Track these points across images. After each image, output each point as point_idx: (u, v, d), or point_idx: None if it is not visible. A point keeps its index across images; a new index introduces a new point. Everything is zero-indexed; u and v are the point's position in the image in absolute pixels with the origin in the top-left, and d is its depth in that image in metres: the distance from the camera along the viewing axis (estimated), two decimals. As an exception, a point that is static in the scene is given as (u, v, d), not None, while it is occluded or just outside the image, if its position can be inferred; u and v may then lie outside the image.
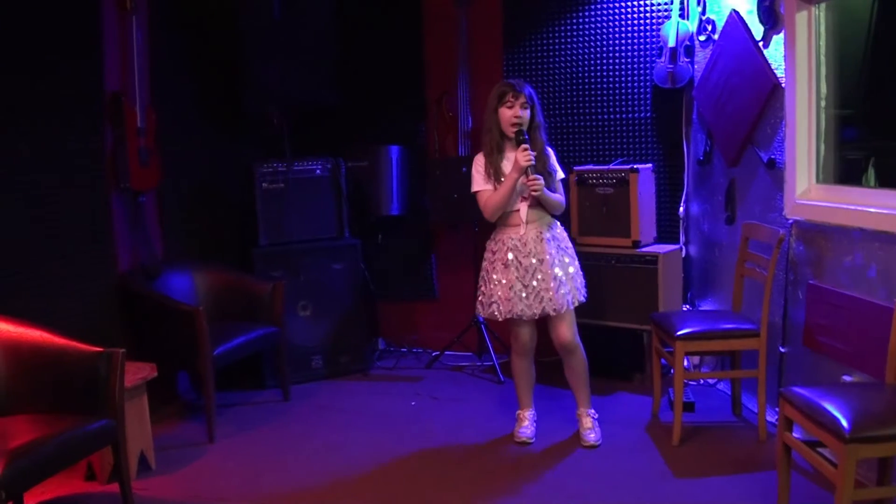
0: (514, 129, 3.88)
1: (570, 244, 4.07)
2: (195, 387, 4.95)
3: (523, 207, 3.93)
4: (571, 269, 3.99)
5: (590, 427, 4.06)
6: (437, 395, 4.93)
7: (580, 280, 4.05)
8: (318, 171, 5.32)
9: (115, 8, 4.46)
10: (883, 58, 3.86)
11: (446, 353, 5.59)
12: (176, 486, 3.75)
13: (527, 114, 3.90)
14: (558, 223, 4.06)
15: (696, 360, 4.96)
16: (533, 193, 3.85)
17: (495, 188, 3.93)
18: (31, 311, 3.61)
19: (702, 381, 4.87)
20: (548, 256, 3.90)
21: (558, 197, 4.00)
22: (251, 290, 4.88)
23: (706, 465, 3.73)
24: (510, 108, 3.89)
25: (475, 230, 5.28)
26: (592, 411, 4.12)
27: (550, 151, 4.04)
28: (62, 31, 4.10)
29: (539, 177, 3.83)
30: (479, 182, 3.99)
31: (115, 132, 4.44)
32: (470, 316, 5.28)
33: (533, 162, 3.80)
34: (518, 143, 3.85)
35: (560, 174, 4.06)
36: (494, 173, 3.94)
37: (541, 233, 3.94)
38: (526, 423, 4.15)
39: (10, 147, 3.81)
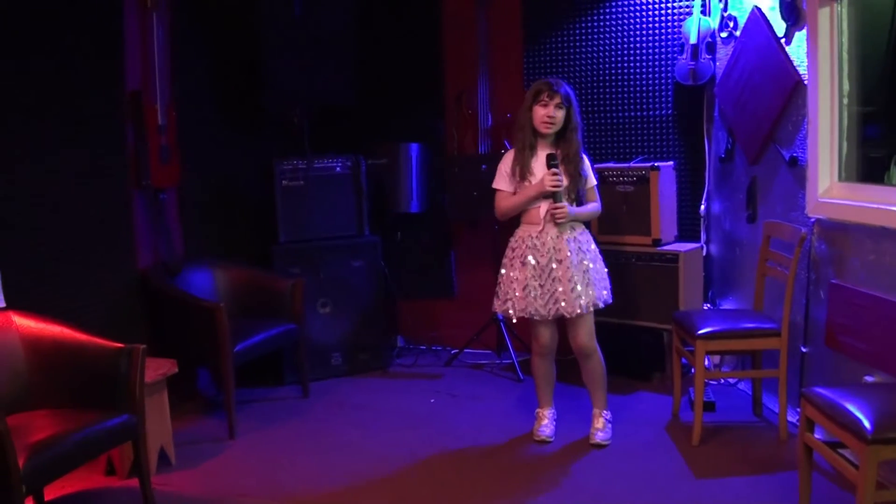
0: (546, 128, 3.87)
1: (593, 246, 4.02)
2: (215, 383, 4.97)
3: (543, 205, 3.91)
4: (592, 274, 3.93)
5: (600, 427, 4.04)
6: (456, 393, 4.93)
7: (605, 283, 4.01)
8: (337, 169, 5.33)
9: (135, 6, 4.49)
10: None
11: (465, 350, 5.59)
12: (195, 481, 3.77)
13: (561, 114, 3.88)
14: (582, 225, 4.04)
15: (716, 359, 4.92)
16: (558, 221, 3.86)
17: (517, 188, 3.93)
18: (53, 307, 3.65)
19: (722, 381, 4.83)
20: (566, 258, 3.88)
21: (591, 208, 4.02)
22: (271, 287, 4.90)
23: (726, 465, 3.71)
24: (544, 106, 3.87)
25: (495, 227, 5.27)
26: (607, 413, 4.10)
27: (584, 157, 4.01)
28: (83, 29, 4.13)
29: (565, 204, 3.85)
30: (501, 181, 3.99)
31: (136, 130, 4.47)
32: (489, 314, 5.27)
33: (560, 187, 3.80)
34: (549, 167, 3.84)
35: (593, 180, 4.04)
36: (521, 171, 3.92)
37: (561, 233, 3.91)
38: (545, 421, 4.14)
39: (32, 144, 3.84)
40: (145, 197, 4.57)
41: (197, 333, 4.29)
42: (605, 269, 4.05)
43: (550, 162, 3.84)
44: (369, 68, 5.57)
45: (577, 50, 5.33)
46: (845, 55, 3.74)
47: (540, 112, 3.88)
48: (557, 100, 3.86)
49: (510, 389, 4.97)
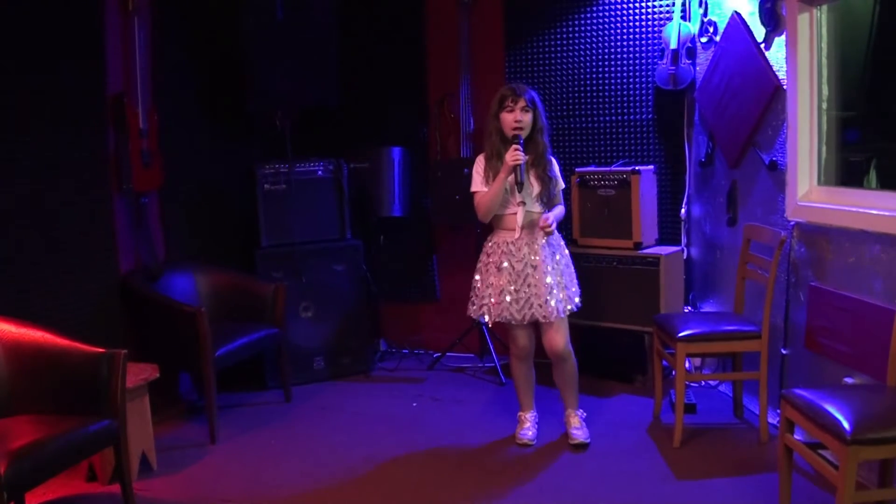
0: (517, 133, 3.87)
1: (566, 251, 4.07)
2: (197, 388, 4.95)
3: (520, 212, 3.93)
4: (565, 277, 3.98)
5: (577, 425, 4.07)
6: (438, 397, 4.93)
7: (575, 288, 4.04)
8: (319, 173, 5.33)
9: (117, 9, 4.47)
10: (884, 59, 3.86)
11: (448, 354, 5.59)
12: (177, 486, 3.75)
13: (528, 117, 3.89)
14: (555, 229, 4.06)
15: (697, 361, 4.96)
16: (547, 234, 3.88)
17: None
18: (34, 312, 3.62)
19: (703, 383, 4.87)
20: (541, 264, 3.90)
21: (561, 212, 4.02)
22: (253, 292, 4.89)
23: (707, 466, 3.73)
24: (510, 112, 3.88)
25: (477, 231, 5.27)
26: (581, 411, 4.14)
27: (553, 160, 4.04)
28: (64, 32, 4.10)
29: (551, 222, 3.86)
30: (478, 183, 4.00)
31: (118, 134, 4.44)
32: (471, 317, 5.28)
33: (520, 161, 3.79)
34: (511, 143, 3.84)
35: (561, 184, 4.06)
36: (494, 178, 3.93)
37: (536, 238, 3.93)
38: (527, 424, 4.15)
39: (13, 148, 3.81)
40: (127, 201, 4.55)
41: (178, 338, 4.27)
42: (575, 274, 4.08)
43: (514, 142, 3.83)
44: (352, 72, 5.58)
45: (559, 54, 5.35)
46: (824, 60, 3.77)
47: (508, 118, 3.89)
48: (522, 103, 3.87)
49: (492, 393, 4.98)
